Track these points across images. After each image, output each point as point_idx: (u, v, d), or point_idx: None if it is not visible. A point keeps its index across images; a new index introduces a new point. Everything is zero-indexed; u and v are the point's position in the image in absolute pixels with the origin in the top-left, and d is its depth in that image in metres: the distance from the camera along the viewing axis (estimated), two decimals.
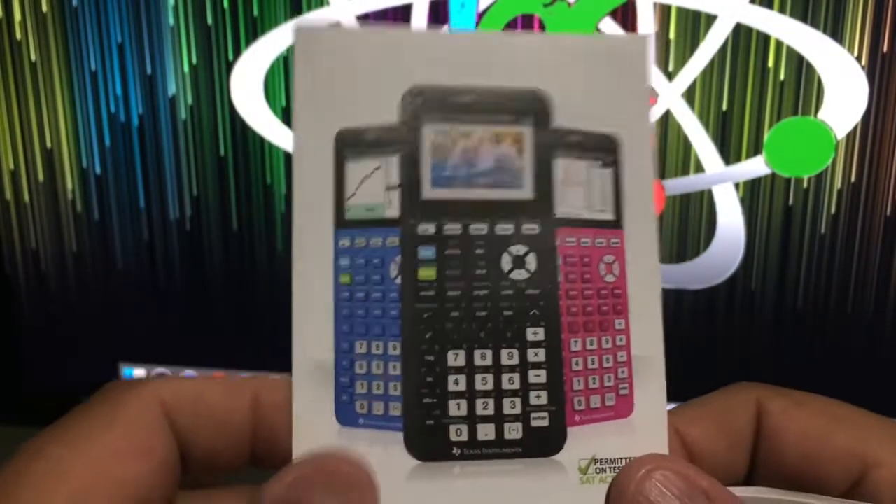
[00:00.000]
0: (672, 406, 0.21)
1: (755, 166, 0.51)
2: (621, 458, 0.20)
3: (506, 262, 0.20)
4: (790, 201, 0.51)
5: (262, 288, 0.57)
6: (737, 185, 0.52)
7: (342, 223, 0.20)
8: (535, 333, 0.20)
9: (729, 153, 0.51)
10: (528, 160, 0.20)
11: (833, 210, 0.51)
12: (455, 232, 0.20)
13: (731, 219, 0.52)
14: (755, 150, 0.51)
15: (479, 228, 0.20)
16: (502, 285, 0.20)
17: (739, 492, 0.20)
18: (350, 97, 0.20)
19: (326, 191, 0.20)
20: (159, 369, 0.60)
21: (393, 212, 0.20)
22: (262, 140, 0.55)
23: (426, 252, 0.20)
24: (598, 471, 0.20)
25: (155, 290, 0.59)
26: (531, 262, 0.20)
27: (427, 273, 0.20)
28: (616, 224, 0.21)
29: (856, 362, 0.54)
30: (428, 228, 0.20)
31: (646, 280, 0.21)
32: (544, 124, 0.20)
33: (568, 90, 0.20)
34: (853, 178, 0.50)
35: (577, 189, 0.21)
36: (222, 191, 0.56)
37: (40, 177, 0.58)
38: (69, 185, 0.58)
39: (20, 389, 0.62)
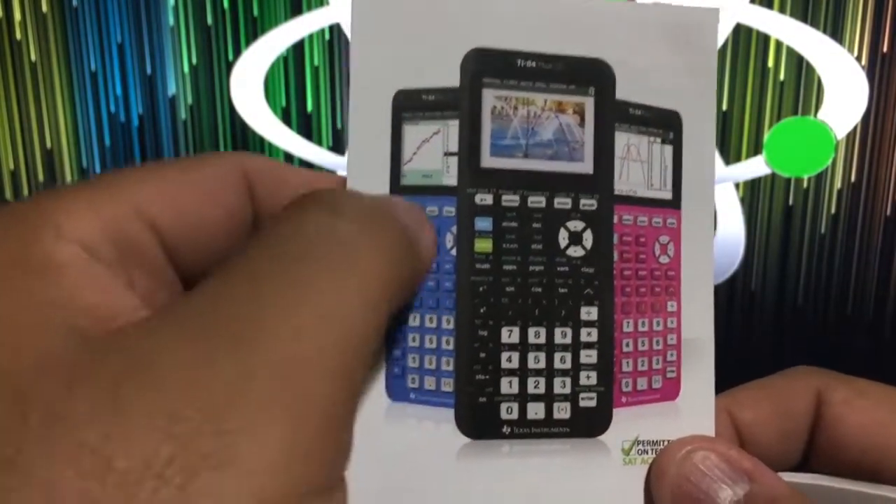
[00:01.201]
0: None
1: (755, 166, 0.51)
2: (665, 440, 0.20)
3: (562, 238, 0.19)
4: (790, 201, 0.51)
5: None
6: (737, 185, 0.52)
7: (398, 189, 0.19)
8: (588, 313, 0.20)
9: (729, 153, 0.51)
10: (589, 132, 0.20)
11: (833, 210, 0.51)
12: (513, 203, 0.19)
13: (731, 219, 0.52)
14: (755, 150, 0.51)
15: (537, 201, 0.19)
16: (558, 261, 0.19)
17: (790, 477, 0.20)
18: (410, 56, 0.19)
19: (382, 154, 0.19)
20: None
21: (451, 179, 0.19)
22: (262, 140, 0.55)
23: (483, 223, 0.19)
24: (640, 452, 0.20)
25: None
26: (588, 238, 0.20)
27: (483, 245, 0.19)
28: (674, 204, 0.20)
29: (856, 362, 0.54)
30: (485, 198, 0.19)
31: (699, 263, 0.20)
32: (607, 96, 0.20)
33: (632, 61, 0.20)
34: (853, 178, 0.50)
35: (637, 165, 0.20)
36: None
37: (40, 177, 0.58)
38: None
39: None
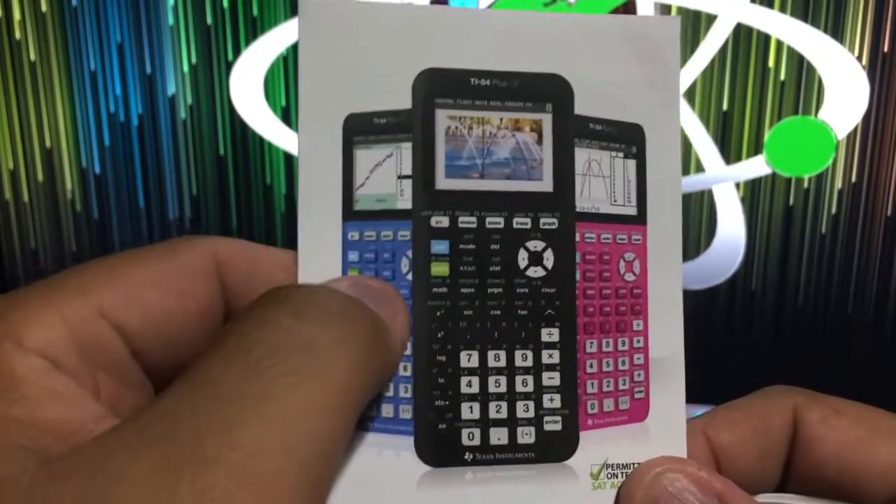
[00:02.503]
0: (700, 410, 0.21)
1: (756, 166, 0.51)
2: (635, 463, 0.19)
3: (522, 258, 0.19)
4: (791, 201, 0.51)
5: None
6: (737, 185, 0.52)
7: (351, 215, 0.19)
8: (549, 334, 0.19)
9: (729, 153, 0.51)
10: (548, 150, 0.19)
11: (833, 210, 0.51)
12: (470, 225, 0.19)
13: (731, 219, 0.52)
14: (756, 149, 0.51)
15: (495, 222, 0.19)
16: (517, 283, 0.19)
17: (767, 499, 0.19)
18: (360, 78, 0.19)
19: (334, 180, 0.19)
20: None
21: (405, 203, 0.19)
22: (261, 140, 0.55)
23: (439, 246, 0.19)
24: (609, 476, 0.19)
25: None
26: (548, 258, 0.19)
27: (440, 269, 0.19)
28: (639, 220, 0.20)
29: (856, 362, 0.54)
30: (441, 221, 0.19)
31: (667, 279, 0.20)
32: (565, 112, 0.19)
33: (591, 75, 0.19)
34: (854, 178, 0.50)
35: (599, 181, 0.20)
36: (222, 191, 0.56)
37: (40, 177, 0.58)
38: (69, 185, 0.58)
39: None
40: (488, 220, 0.19)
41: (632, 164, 0.20)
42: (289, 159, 0.55)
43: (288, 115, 0.54)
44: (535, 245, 0.19)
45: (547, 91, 0.19)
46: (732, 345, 0.54)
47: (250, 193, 0.56)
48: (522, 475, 0.19)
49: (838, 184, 0.50)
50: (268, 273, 0.18)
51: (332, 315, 0.15)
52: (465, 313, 0.19)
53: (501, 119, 0.19)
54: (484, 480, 0.19)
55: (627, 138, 0.20)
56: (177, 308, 0.17)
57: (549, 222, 0.19)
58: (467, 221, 0.19)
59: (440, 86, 0.19)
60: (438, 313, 0.19)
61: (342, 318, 0.15)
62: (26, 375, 0.14)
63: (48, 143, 0.57)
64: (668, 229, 0.20)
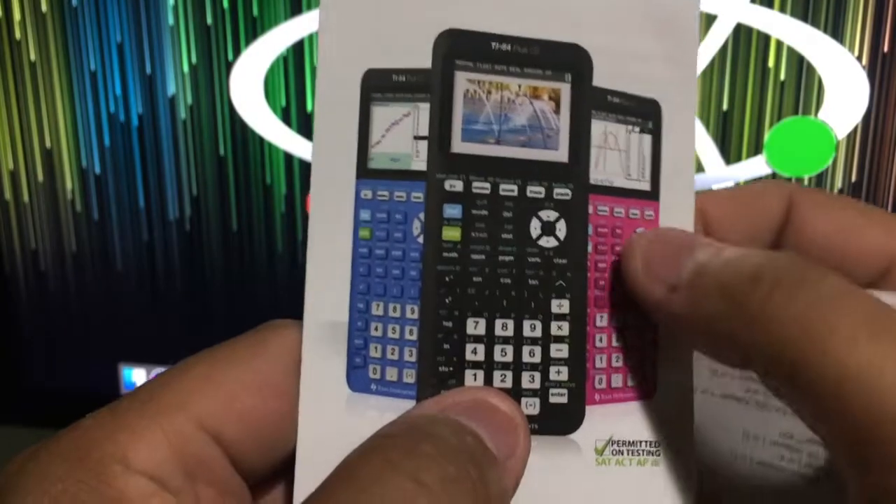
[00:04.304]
0: None
1: (756, 166, 0.51)
2: (640, 441, 0.19)
3: (534, 228, 0.19)
4: None
5: (262, 288, 0.57)
6: (737, 185, 0.52)
7: (364, 172, 0.19)
8: (559, 306, 0.19)
9: (729, 153, 0.51)
10: (565, 120, 0.19)
11: None
12: (483, 190, 0.19)
13: None
14: (756, 149, 0.51)
15: (508, 189, 0.19)
16: (529, 252, 0.19)
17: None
18: (381, 34, 0.18)
19: (350, 136, 0.18)
20: (159, 369, 0.60)
21: (420, 164, 0.19)
22: (261, 140, 0.55)
23: (452, 210, 0.18)
24: (614, 452, 0.19)
25: (155, 291, 0.59)
26: (561, 229, 0.19)
27: (451, 233, 0.18)
28: (652, 195, 0.20)
29: None
30: (455, 185, 0.18)
31: None
32: (584, 82, 0.19)
33: (611, 48, 0.19)
34: (854, 178, 0.50)
35: (614, 154, 0.19)
36: (222, 191, 0.56)
37: (40, 177, 0.58)
38: (69, 185, 0.58)
39: (20, 389, 0.62)
40: (502, 186, 0.19)
41: (647, 139, 0.20)
42: (289, 159, 0.55)
43: (288, 115, 0.54)
44: (548, 215, 0.19)
45: (567, 60, 0.19)
46: None
47: (250, 193, 0.56)
48: None
49: (838, 184, 0.50)
50: None
51: (450, 480, 0.15)
52: (474, 280, 0.19)
53: (520, 85, 0.19)
54: None
55: (644, 113, 0.20)
56: (272, 410, 0.18)
57: (562, 193, 0.19)
58: (481, 187, 0.19)
59: (461, 47, 0.19)
60: (447, 278, 0.18)
61: (462, 486, 0.15)
62: (135, 499, 0.15)
63: (48, 143, 0.57)
64: (680, 207, 0.20)
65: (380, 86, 0.19)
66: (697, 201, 0.20)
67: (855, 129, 0.49)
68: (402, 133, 0.19)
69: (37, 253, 0.60)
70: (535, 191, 0.19)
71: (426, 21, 0.18)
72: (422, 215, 0.19)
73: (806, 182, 0.51)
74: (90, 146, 0.57)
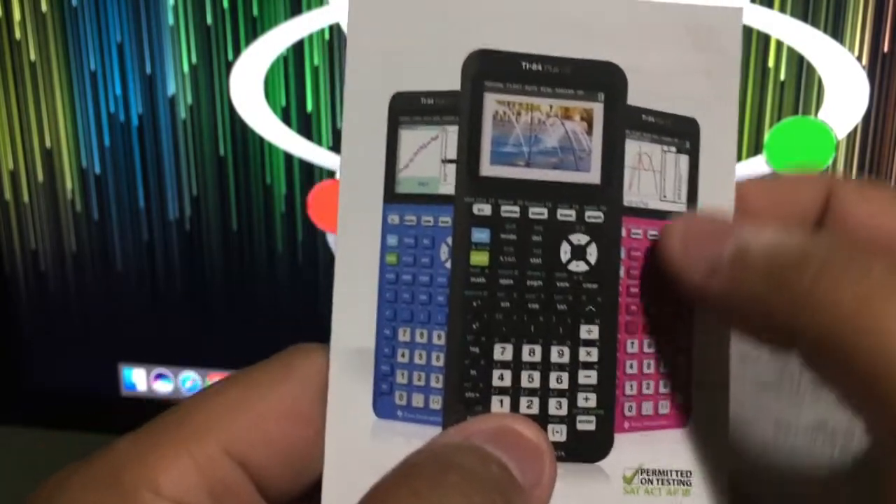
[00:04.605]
0: None
1: (756, 166, 0.51)
2: (671, 470, 0.19)
3: (564, 252, 0.18)
4: None
5: (262, 288, 0.57)
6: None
7: (392, 197, 0.18)
8: (589, 331, 0.18)
9: None
10: (597, 140, 0.18)
11: None
12: (512, 214, 0.18)
13: None
14: (756, 149, 0.51)
15: (538, 212, 0.18)
16: (558, 276, 0.18)
17: None
18: (408, 56, 0.18)
19: (377, 160, 0.18)
20: (159, 369, 0.60)
21: (448, 188, 0.18)
22: (261, 140, 0.55)
23: (480, 235, 0.18)
24: (643, 481, 0.19)
25: (155, 290, 0.59)
26: (592, 253, 0.18)
27: (479, 258, 0.18)
28: None
29: None
30: (483, 209, 0.18)
31: None
32: (617, 102, 0.19)
33: (647, 65, 0.19)
34: (854, 178, 0.50)
35: (649, 175, 0.19)
36: (222, 191, 0.56)
37: (40, 177, 0.58)
38: (69, 185, 0.58)
39: (20, 389, 0.62)
40: (532, 210, 0.18)
41: (684, 159, 0.19)
42: (289, 159, 0.55)
43: (288, 116, 0.54)
44: (579, 239, 0.19)
45: (600, 79, 0.19)
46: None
47: (250, 193, 0.56)
48: None
49: None
50: None
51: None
52: (502, 305, 0.18)
53: (551, 106, 0.19)
54: None
55: (681, 132, 0.19)
56: (298, 436, 0.18)
57: (594, 216, 0.19)
58: (510, 210, 0.18)
59: (490, 68, 0.18)
60: (475, 303, 0.18)
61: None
62: None
63: (48, 143, 0.57)
64: None
65: (407, 109, 0.18)
66: (736, 190, 0.20)
67: (855, 129, 0.49)
68: (430, 156, 0.18)
69: (37, 253, 0.60)
70: (566, 214, 0.18)
71: (455, 42, 0.18)
72: (449, 240, 0.18)
73: None
74: (90, 146, 0.57)
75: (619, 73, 0.19)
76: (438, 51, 0.18)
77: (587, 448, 0.19)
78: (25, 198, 0.58)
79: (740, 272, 0.17)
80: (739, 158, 0.51)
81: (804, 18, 0.48)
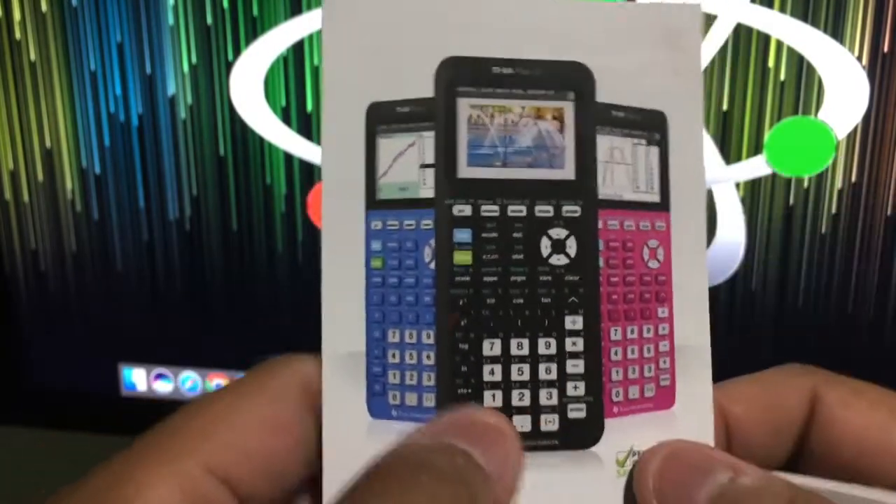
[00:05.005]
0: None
1: (756, 166, 0.51)
2: None
3: (545, 246, 0.19)
4: (791, 201, 0.51)
5: (262, 288, 0.57)
6: (737, 185, 0.52)
7: (374, 203, 0.19)
8: (573, 322, 0.19)
9: (729, 153, 0.51)
10: (570, 137, 0.19)
11: (834, 210, 0.51)
12: (492, 213, 0.19)
13: (731, 219, 0.52)
14: (756, 149, 0.51)
15: (517, 210, 0.19)
16: (540, 270, 0.19)
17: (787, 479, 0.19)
18: (383, 66, 0.19)
19: (357, 169, 0.19)
20: (159, 369, 0.60)
21: (428, 191, 0.19)
22: (261, 140, 0.55)
23: (462, 235, 0.19)
24: (635, 463, 0.19)
25: (155, 290, 0.59)
26: (571, 246, 0.19)
27: (463, 257, 0.19)
28: (662, 207, 0.20)
29: (857, 362, 0.54)
30: (464, 209, 0.19)
31: (692, 266, 0.20)
32: (587, 99, 0.19)
33: (614, 63, 0.19)
34: (854, 178, 0.50)
35: (622, 168, 0.20)
36: (222, 191, 0.56)
37: (40, 177, 0.58)
38: (69, 185, 0.58)
39: (20, 389, 0.62)
40: (510, 208, 0.19)
41: (654, 150, 0.20)
42: (289, 159, 0.55)
43: (288, 116, 0.54)
44: (558, 233, 0.19)
45: (569, 79, 0.19)
46: (732, 345, 0.54)
47: (250, 193, 0.56)
48: (546, 462, 0.19)
49: (838, 184, 0.50)
50: None
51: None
52: (487, 302, 0.19)
53: (523, 107, 0.19)
54: None
55: (650, 125, 0.20)
56: (277, 447, 0.18)
57: (571, 210, 0.19)
58: (490, 210, 0.19)
59: (462, 74, 0.19)
60: (461, 302, 0.19)
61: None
62: None
63: (48, 143, 0.57)
64: (691, 216, 0.20)
65: (384, 118, 0.19)
66: (716, 398, 0.20)
67: (855, 129, 0.49)
68: (408, 162, 0.19)
69: (37, 253, 0.60)
70: (544, 210, 0.19)
71: (427, 50, 0.19)
72: (432, 242, 0.19)
73: (806, 183, 0.51)
74: (90, 146, 0.57)
75: (586, 72, 0.19)
76: (412, 59, 0.19)
77: (580, 435, 0.19)
78: (25, 198, 0.58)
79: None
80: (739, 158, 0.51)
81: (804, 18, 0.48)
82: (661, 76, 0.20)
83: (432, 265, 0.19)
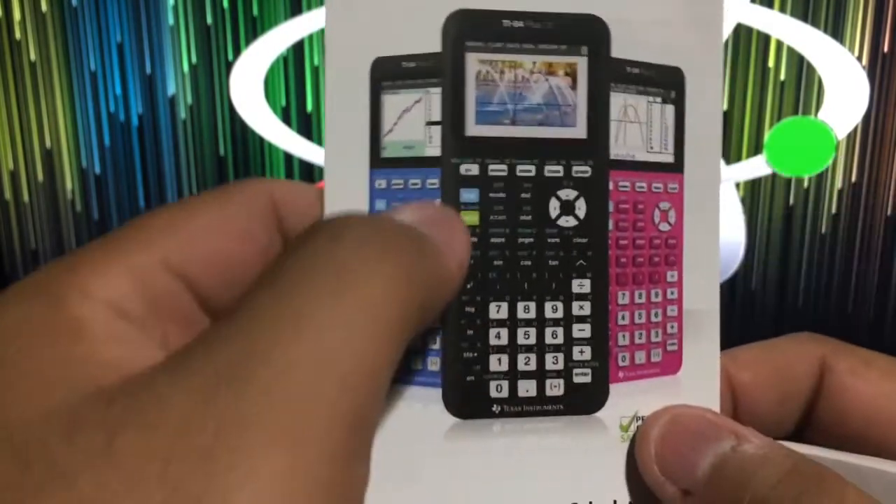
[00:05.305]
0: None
1: (756, 166, 0.51)
2: None
3: (553, 208, 0.18)
4: (791, 201, 0.51)
5: None
6: (737, 185, 0.52)
7: (378, 162, 0.18)
8: (580, 285, 0.19)
9: (730, 153, 0.51)
10: (582, 95, 0.18)
11: (834, 210, 0.51)
12: (500, 173, 0.18)
13: (731, 218, 0.52)
14: (756, 149, 0.51)
15: (525, 170, 0.18)
16: (549, 232, 0.18)
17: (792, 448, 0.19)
18: (388, 20, 0.18)
19: (361, 127, 0.18)
20: None
21: (434, 150, 0.18)
22: (261, 140, 0.55)
23: (469, 195, 0.18)
24: (639, 428, 0.19)
25: None
26: (580, 207, 0.18)
27: (470, 218, 0.18)
28: (675, 168, 0.19)
29: None
30: (471, 168, 0.18)
31: (704, 230, 0.19)
32: (601, 54, 0.18)
33: (630, 16, 0.18)
34: (854, 178, 0.50)
35: (635, 127, 0.19)
36: None
37: (40, 177, 0.58)
38: (69, 185, 0.58)
39: None
40: (519, 167, 0.18)
41: (670, 109, 0.19)
42: (289, 159, 0.55)
43: (288, 115, 0.54)
44: (567, 194, 0.19)
45: (582, 33, 0.18)
46: (732, 344, 0.54)
47: None
48: (551, 427, 0.19)
49: (838, 184, 0.50)
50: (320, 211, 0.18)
51: (369, 238, 0.15)
52: (494, 264, 0.18)
53: (534, 63, 0.18)
54: (512, 432, 0.18)
55: (666, 82, 0.19)
56: (238, 252, 0.17)
57: (581, 170, 0.19)
58: (498, 169, 0.18)
59: (471, 28, 0.18)
60: (468, 263, 0.19)
61: (381, 241, 0.15)
62: (92, 320, 0.15)
63: (48, 143, 0.57)
64: (705, 178, 0.19)
65: (389, 74, 0.18)
66: (723, 364, 0.20)
67: (855, 129, 0.49)
68: (414, 120, 0.18)
69: (37, 253, 0.60)
70: (554, 170, 0.18)
71: (434, 2, 0.18)
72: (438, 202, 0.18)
73: (806, 183, 0.51)
74: (90, 146, 0.57)
75: (601, 25, 0.18)
76: (418, 14, 0.18)
77: (585, 400, 0.19)
78: (25, 198, 0.58)
79: (714, 497, 0.17)
80: (739, 158, 0.51)
81: (804, 18, 0.48)
82: (679, 29, 0.19)
83: None
